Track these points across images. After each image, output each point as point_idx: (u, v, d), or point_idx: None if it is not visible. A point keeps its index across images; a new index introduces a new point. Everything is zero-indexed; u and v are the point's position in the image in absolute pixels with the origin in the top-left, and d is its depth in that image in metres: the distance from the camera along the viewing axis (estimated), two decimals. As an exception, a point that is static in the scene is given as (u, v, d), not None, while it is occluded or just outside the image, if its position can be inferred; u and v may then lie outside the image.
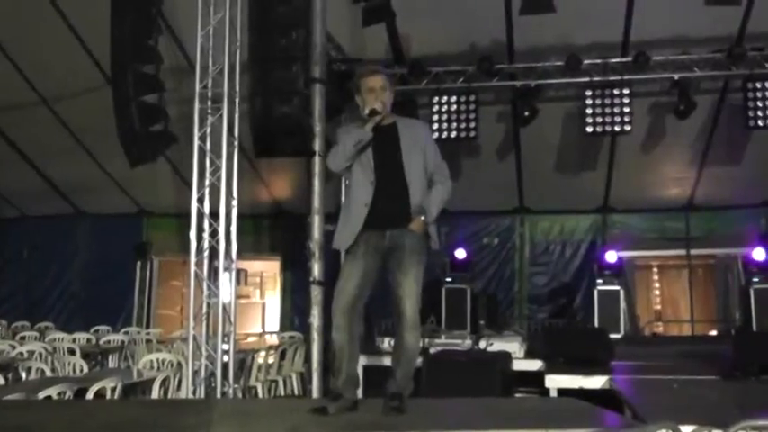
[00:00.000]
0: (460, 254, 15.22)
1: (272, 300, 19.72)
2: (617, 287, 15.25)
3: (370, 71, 5.78)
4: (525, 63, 13.09)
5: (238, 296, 9.82)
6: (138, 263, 18.41)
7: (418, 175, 5.54)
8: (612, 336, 11.85)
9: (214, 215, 9.27)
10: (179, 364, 9.41)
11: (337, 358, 5.49)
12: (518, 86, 13.20)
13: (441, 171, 5.69)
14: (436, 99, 13.28)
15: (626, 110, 12.72)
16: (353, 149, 5.47)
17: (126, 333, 14.85)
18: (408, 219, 5.46)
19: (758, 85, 12.37)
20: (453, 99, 13.25)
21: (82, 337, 13.95)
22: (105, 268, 18.17)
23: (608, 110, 12.75)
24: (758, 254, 14.40)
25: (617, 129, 12.85)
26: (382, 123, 5.59)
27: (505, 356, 10.68)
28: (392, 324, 6.14)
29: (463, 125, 13.20)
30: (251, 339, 16.72)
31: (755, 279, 14.08)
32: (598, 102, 12.78)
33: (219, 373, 8.95)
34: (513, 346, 11.32)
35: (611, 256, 15.59)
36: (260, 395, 10.64)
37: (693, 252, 16.86)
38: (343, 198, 12.09)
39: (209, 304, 9.22)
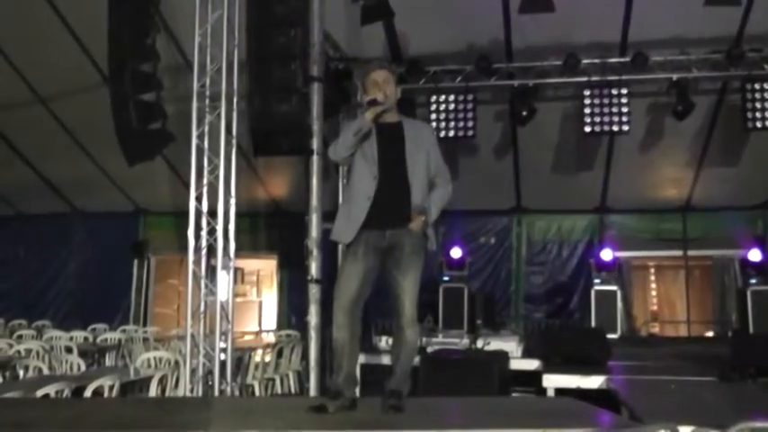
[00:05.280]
0: (456, 253, 15.19)
1: (269, 298, 19.72)
2: (614, 287, 15.30)
3: (374, 66, 5.80)
4: (523, 62, 13.11)
5: (235, 294, 9.80)
6: (135, 261, 18.42)
7: (421, 175, 5.54)
8: (609, 336, 11.84)
9: (211, 213, 9.25)
10: (176, 362, 9.40)
11: (338, 356, 5.49)
12: (516, 86, 13.20)
13: (443, 174, 5.70)
14: (434, 98, 13.32)
15: (624, 110, 12.75)
16: (353, 138, 5.46)
17: (123, 331, 14.80)
18: (408, 218, 5.46)
19: (756, 87, 12.40)
20: (451, 98, 13.28)
21: (79, 335, 13.92)
22: (102, 266, 18.14)
23: (606, 110, 12.78)
24: (754, 255, 14.41)
25: (615, 129, 12.88)
26: (387, 120, 5.62)
27: (503, 356, 10.68)
28: (390, 323, 6.14)
29: (461, 124, 13.23)
30: (248, 338, 16.70)
31: (753, 281, 14.10)
32: (596, 101, 12.81)
33: (217, 372, 8.93)
34: (510, 345, 11.33)
35: (606, 254, 15.60)
36: (257, 393, 10.63)
37: (690, 253, 16.87)
38: (341, 197, 12.13)
39: (206, 302, 9.21)
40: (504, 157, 15.44)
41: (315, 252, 10.03)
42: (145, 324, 17.33)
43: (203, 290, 9.18)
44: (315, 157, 10.14)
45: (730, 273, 16.52)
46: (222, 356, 9.05)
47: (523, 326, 15.93)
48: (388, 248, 5.48)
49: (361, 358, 9.56)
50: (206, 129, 9.37)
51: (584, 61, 12.70)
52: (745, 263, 14.67)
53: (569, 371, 9.69)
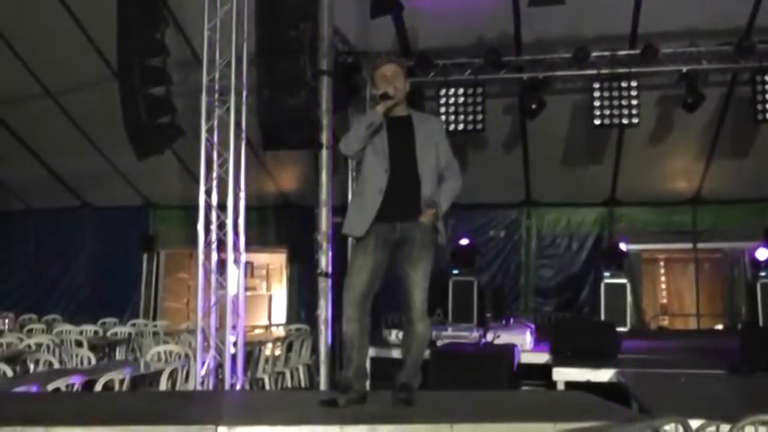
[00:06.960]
0: (463, 241, 15.16)
1: (279, 292, 19.74)
2: (623, 280, 15.25)
3: (383, 61, 5.80)
4: (533, 55, 13.05)
5: (245, 288, 9.80)
6: (145, 255, 18.42)
7: (430, 169, 5.55)
8: (619, 329, 11.83)
9: (221, 207, 9.26)
10: (186, 356, 9.42)
11: (348, 349, 5.50)
12: (525, 79, 13.16)
13: (452, 168, 5.70)
14: (443, 91, 13.27)
15: (634, 102, 12.68)
16: (365, 132, 5.49)
17: (133, 325, 14.83)
18: (419, 211, 5.46)
19: (767, 78, 12.31)
20: (460, 91, 13.23)
21: (89, 329, 13.93)
22: (112, 261, 18.20)
23: (616, 102, 12.71)
24: (761, 254, 14.34)
25: (624, 121, 12.82)
26: (397, 114, 5.64)
27: (513, 349, 10.67)
28: (400, 317, 6.14)
29: (470, 117, 13.18)
30: (257, 332, 16.72)
31: (762, 273, 14.03)
32: (606, 94, 12.73)
33: (228, 366, 8.95)
34: (520, 339, 11.31)
35: (623, 246, 15.61)
36: (267, 387, 10.65)
37: (700, 246, 16.83)
38: (350, 190, 12.13)
39: (216, 296, 9.22)
40: (513, 150, 15.42)
41: (324, 245, 10.04)
42: (155, 318, 17.35)
43: (213, 284, 9.19)
44: (324, 151, 10.14)
45: (740, 265, 16.49)
46: (232, 350, 9.07)
47: (533, 319, 15.89)
48: (399, 242, 5.49)
49: (372, 352, 9.59)
50: (215, 123, 9.38)
51: (594, 54, 12.62)
52: (754, 256, 14.62)
53: (579, 364, 9.69)
